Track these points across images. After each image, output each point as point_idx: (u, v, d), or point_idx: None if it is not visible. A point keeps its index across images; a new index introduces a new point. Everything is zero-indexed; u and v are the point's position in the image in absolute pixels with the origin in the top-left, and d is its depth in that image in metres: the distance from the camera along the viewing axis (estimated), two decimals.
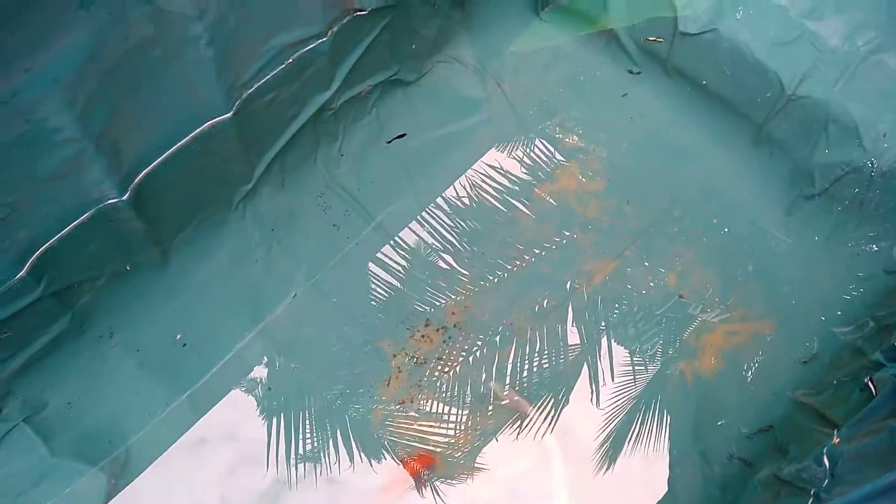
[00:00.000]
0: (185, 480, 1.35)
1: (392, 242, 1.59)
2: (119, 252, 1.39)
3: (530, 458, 1.38)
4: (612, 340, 1.47)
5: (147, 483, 1.34)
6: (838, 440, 1.07)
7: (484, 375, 1.46)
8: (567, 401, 1.42)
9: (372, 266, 1.57)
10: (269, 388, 1.46)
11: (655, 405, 1.41)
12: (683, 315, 1.47)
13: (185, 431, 1.40)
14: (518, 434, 1.40)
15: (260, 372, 1.47)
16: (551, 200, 1.63)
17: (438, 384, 1.46)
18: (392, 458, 1.39)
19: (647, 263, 1.53)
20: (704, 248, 1.53)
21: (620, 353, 1.46)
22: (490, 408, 1.42)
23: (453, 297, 1.54)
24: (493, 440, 1.40)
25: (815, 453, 1.09)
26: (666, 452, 1.37)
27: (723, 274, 1.51)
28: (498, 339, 1.49)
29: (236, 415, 1.41)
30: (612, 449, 1.38)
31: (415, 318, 1.52)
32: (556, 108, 1.72)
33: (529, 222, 1.60)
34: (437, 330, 1.52)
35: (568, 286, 1.53)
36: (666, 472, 1.36)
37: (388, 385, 1.47)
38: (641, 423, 1.40)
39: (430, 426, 1.41)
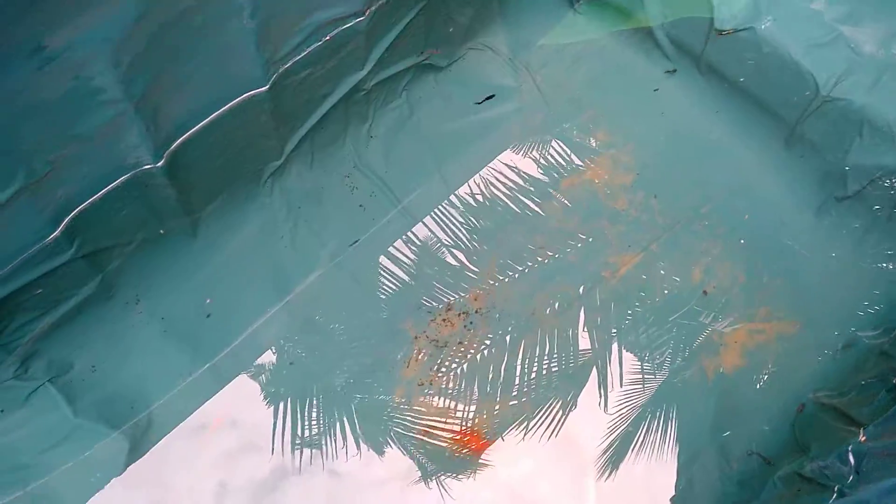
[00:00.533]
0: (183, 465, 1.34)
1: (417, 226, 1.59)
2: (150, 219, 1.40)
3: (535, 460, 1.38)
4: (623, 346, 1.46)
5: (145, 468, 1.34)
6: (864, 438, 1.06)
7: (492, 375, 1.45)
8: (575, 404, 1.42)
9: (396, 248, 1.57)
10: (291, 363, 1.46)
11: (661, 414, 1.41)
12: (696, 323, 1.47)
13: (208, 400, 1.40)
14: (524, 435, 1.39)
15: (280, 349, 1.47)
16: (579, 192, 1.62)
17: (457, 369, 1.46)
18: (400, 450, 1.38)
19: (672, 258, 1.53)
20: (731, 246, 1.53)
21: (630, 358, 1.45)
22: (497, 407, 1.41)
23: (477, 283, 1.54)
24: (500, 439, 1.40)
25: (839, 451, 1.09)
26: (671, 460, 1.37)
27: (749, 272, 1.51)
28: (520, 327, 1.49)
29: (240, 400, 1.41)
30: (615, 455, 1.38)
31: (437, 302, 1.52)
32: (586, 101, 1.72)
33: (556, 213, 1.60)
34: (459, 315, 1.52)
35: (593, 277, 1.53)
36: (669, 480, 1.35)
37: (408, 366, 1.47)
38: (647, 432, 1.39)
39: (437, 421, 1.41)
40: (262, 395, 1.42)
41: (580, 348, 1.47)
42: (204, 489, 1.30)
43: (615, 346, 1.46)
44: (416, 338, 1.49)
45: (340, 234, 1.59)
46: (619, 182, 1.63)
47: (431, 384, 1.46)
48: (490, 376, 1.45)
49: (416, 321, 1.50)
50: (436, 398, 1.44)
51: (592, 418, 1.40)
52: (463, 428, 1.41)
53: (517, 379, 1.45)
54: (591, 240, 1.57)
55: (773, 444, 1.34)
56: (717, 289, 1.50)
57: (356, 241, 1.55)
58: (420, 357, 1.47)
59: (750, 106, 1.60)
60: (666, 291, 1.50)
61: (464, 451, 1.38)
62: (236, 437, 1.35)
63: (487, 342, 1.49)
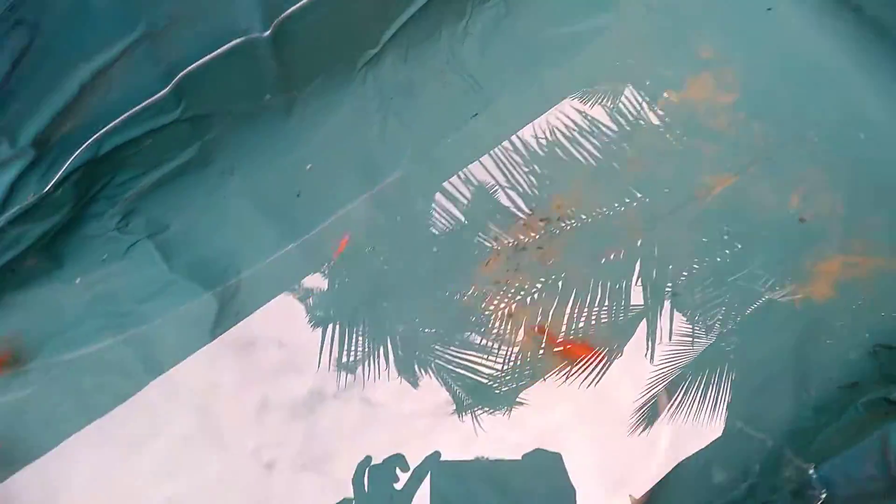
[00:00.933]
0: (231, 375, 1.37)
1: (508, 129, 1.56)
2: (251, 90, 1.41)
3: (570, 407, 1.36)
4: (674, 304, 1.42)
5: (192, 371, 1.38)
6: None
7: (539, 318, 1.41)
8: (622, 353, 1.40)
9: (483, 149, 1.55)
10: (372, 248, 1.48)
11: (704, 377, 1.38)
12: (752, 289, 1.41)
13: (295, 279, 1.44)
14: (566, 379, 1.38)
15: (356, 241, 1.48)
16: (677, 109, 1.57)
17: (504, 309, 1.44)
18: (438, 381, 1.38)
19: (770, 182, 1.48)
20: (834, 175, 1.47)
21: (680, 317, 1.42)
22: (541, 350, 1.40)
23: (561, 189, 1.52)
24: (541, 380, 1.38)
25: None
26: (709, 424, 1.34)
27: (849, 203, 1.45)
28: (600, 236, 1.47)
29: (288, 320, 1.41)
30: (651, 412, 1.36)
31: (520, 204, 1.51)
32: (692, 16, 1.64)
33: (652, 126, 1.56)
34: (541, 220, 1.51)
35: (685, 195, 1.49)
36: (699, 442, 1.33)
37: (486, 265, 1.48)
38: (685, 393, 1.37)
39: (480, 357, 1.41)
40: (309, 318, 1.43)
41: (632, 302, 1.44)
42: (247, 402, 1.34)
43: (667, 303, 1.43)
44: (495, 238, 1.49)
45: (430, 129, 1.58)
46: (720, 101, 1.57)
47: (507, 284, 1.46)
48: (538, 319, 1.43)
49: (497, 223, 1.50)
50: (520, 290, 1.44)
51: (636, 371, 1.37)
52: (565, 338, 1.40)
53: (563, 326, 1.43)
54: (685, 158, 1.53)
55: (856, 373, 1.31)
56: (815, 217, 1.45)
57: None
58: (498, 258, 1.48)
59: (870, 30, 1.51)
60: (761, 214, 1.46)
61: (560, 350, 1.37)
62: (281, 356, 1.37)
63: (581, 239, 1.47)
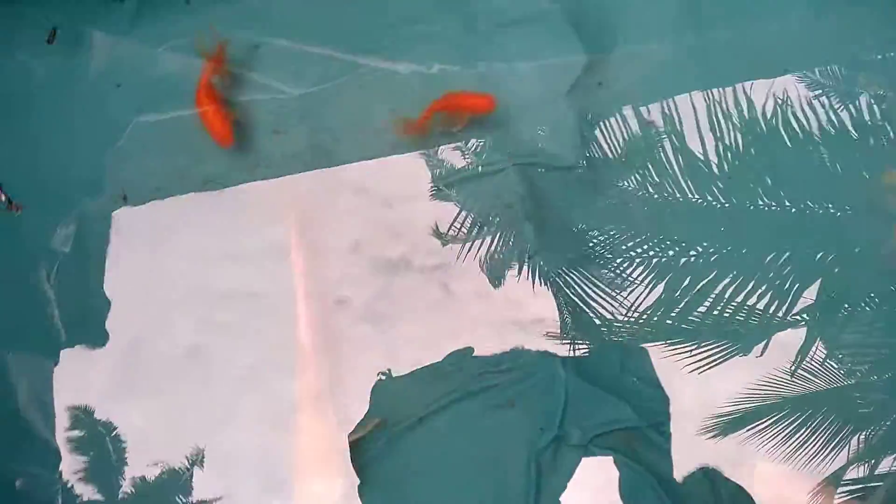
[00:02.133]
0: (333, 217, 1.26)
1: None
2: None
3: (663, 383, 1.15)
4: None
5: (309, 221, 1.25)
6: None
7: (687, 282, 1.18)
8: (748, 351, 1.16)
9: None
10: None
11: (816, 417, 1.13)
12: None
13: (565, 86, 1.20)
14: (674, 353, 1.17)
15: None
16: None
17: (653, 259, 1.21)
18: (542, 295, 1.18)
19: None
20: None
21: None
22: (674, 313, 1.18)
23: None
24: (665, 342, 1.17)
25: None
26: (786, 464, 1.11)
27: None
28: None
29: (416, 183, 1.25)
30: (732, 424, 1.13)
31: None
32: None
33: None
34: None
35: None
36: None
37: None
38: (774, 423, 1.12)
39: (606, 297, 1.21)
40: (432, 188, 1.26)
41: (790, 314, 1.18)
42: (340, 243, 1.25)
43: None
44: None
45: None
46: None
47: None
48: (685, 282, 1.20)
49: None
50: (608, 278, 1.24)
51: (742, 377, 1.16)
52: None
53: (707, 303, 1.19)
54: None
55: None
56: None
57: None
58: None
59: None
60: None
61: None
62: (386, 215, 1.26)
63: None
